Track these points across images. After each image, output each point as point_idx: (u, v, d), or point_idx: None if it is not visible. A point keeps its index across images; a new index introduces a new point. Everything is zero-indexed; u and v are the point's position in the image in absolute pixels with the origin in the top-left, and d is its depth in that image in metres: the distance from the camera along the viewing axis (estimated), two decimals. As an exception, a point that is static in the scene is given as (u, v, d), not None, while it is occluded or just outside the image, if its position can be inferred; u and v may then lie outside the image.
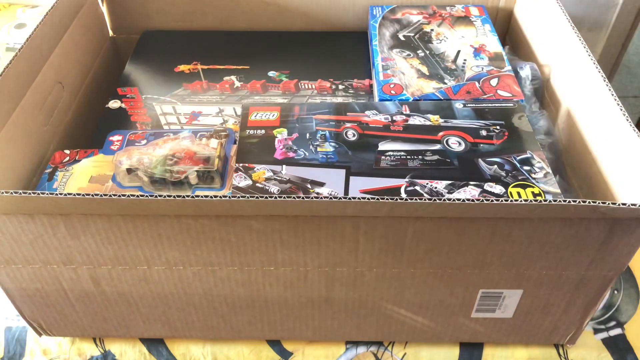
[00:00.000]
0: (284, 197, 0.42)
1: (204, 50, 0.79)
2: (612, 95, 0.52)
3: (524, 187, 0.52)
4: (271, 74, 0.74)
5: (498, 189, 0.52)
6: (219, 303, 0.55)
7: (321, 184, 0.53)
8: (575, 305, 0.54)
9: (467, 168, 0.55)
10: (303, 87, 0.72)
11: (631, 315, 0.62)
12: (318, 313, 0.56)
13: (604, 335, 0.61)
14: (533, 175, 0.53)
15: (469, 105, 0.62)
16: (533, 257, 0.49)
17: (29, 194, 0.43)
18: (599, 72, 0.55)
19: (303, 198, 0.42)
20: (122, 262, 0.51)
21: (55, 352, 0.61)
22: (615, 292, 0.64)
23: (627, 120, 0.49)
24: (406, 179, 0.54)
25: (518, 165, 0.54)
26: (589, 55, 0.57)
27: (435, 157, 0.56)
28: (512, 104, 0.61)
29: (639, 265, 0.66)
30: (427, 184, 0.53)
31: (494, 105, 0.62)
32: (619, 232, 0.46)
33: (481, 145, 0.57)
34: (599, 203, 0.42)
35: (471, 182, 0.53)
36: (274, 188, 0.53)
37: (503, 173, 0.54)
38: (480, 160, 0.55)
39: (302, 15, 0.82)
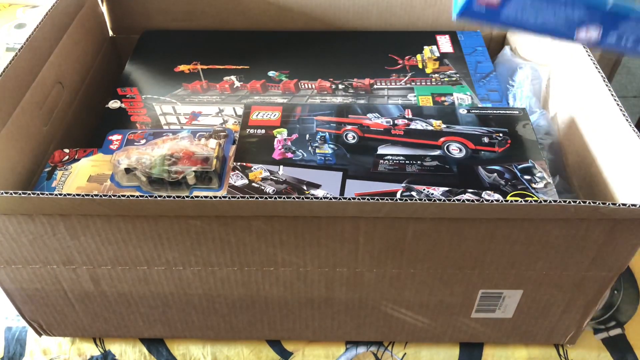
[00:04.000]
0: (284, 198, 0.42)
1: (203, 50, 0.79)
2: (612, 95, 0.51)
3: (523, 196, 0.52)
4: (271, 73, 0.74)
5: (496, 197, 0.52)
6: (218, 303, 0.55)
7: (317, 186, 0.53)
8: (575, 306, 0.54)
9: (466, 175, 0.54)
10: (303, 87, 0.72)
11: (631, 315, 0.62)
12: (318, 313, 0.56)
13: (604, 335, 0.61)
14: (533, 185, 0.53)
15: (473, 111, 0.61)
16: (533, 257, 0.49)
17: (29, 194, 0.43)
18: (599, 72, 0.55)
19: (303, 198, 0.42)
20: (121, 263, 0.51)
21: (55, 352, 0.61)
22: (615, 292, 0.64)
23: (627, 120, 0.49)
24: (403, 184, 0.53)
25: (518, 174, 0.54)
26: (589, 55, 0.57)
27: (435, 162, 0.55)
28: (517, 112, 0.61)
29: (639, 266, 0.66)
30: (424, 190, 0.53)
31: (498, 112, 0.61)
32: (619, 232, 0.46)
33: (482, 152, 0.56)
34: (599, 204, 0.42)
35: (469, 190, 0.53)
36: (269, 188, 0.53)
37: (502, 182, 0.53)
38: (480, 167, 0.55)
39: (302, 15, 0.82)
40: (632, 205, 0.41)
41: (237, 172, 0.55)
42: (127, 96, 0.71)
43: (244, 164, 0.56)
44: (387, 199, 0.42)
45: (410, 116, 0.61)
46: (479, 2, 0.37)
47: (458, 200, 0.43)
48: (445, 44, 0.77)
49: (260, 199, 0.42)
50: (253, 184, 0.54)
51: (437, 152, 0.57)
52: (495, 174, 0.54)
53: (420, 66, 0.74)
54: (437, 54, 0.76)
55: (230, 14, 0.82)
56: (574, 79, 0.61)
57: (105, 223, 0.47)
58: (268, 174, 0.55)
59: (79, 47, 0.73)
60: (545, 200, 0.50)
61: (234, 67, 0.76)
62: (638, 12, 0.36)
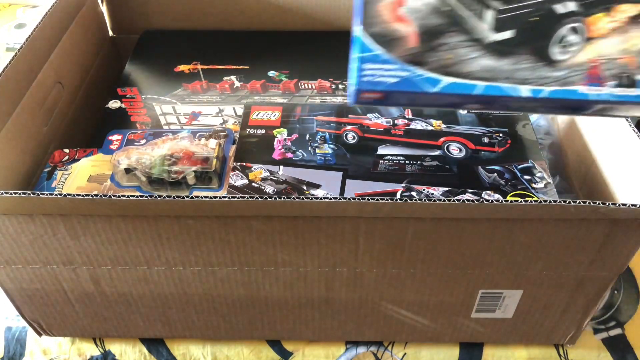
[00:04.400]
0: (284, 198, 0.42)
1: (203, 50, 0.79)
2: (612, 95, 0.51)
3: (523, 196, 0.52)
4: (271, 73, 0.74)
5: (496, 197, 0.52)
6: (219, 303, 0.55)
7: (317, 186, 0.53)
8: (575, 306, 0.54)
9: (466, 175, 0.54)
10: (303, 86, 0.72)
11: (631, 315, 0.62)
12: (318, 313, 0.56)
13: (604, 335, 0.61)
14: (533, 185, 0.53)
15: (473, 111, 0.61)
16: (533, 257, 0.49)
17: (29, 194, 0.43)
18: (599, 72, 0.55)
19: (303, 198, 0.42)
20: (122, 263, 0.51)
21: (55, 352, 0.61)
22: (615, 292, 0.64)
23: (627, 120, 0.49)
24: (403, 184, 0.53)
25: (518, 174, 0.54)
26: (589, 55, 0.57)
27: (435, 162, 0.56)
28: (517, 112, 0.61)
29: (639, 266, 0.66)
30: (424, 190, 0.53)
31: (498, 112, 0.61)
32: (619, 232, 0.46)
33: (482, 152, 0.56)
34: (598, 204, 0.42)
35: (469, 190, 0.53)
36: (269, 188, 0.53)
37: (502, 182, 0.53)
38: (480, 167, 0.55)
39: (302, 15, 0.82)
40: (632, 205, 0.41)
41: (237, 172, 0.55)
42: (127, 96, 0.71)
43: (244, 164, 0.56)
44: (387, 199, 0.42)
45: (410, 116, 0.61)
46: (362, 98, 0.39)
47: (458, 200, 0.43)
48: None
49: (260, 199, 0.42)
50: (253, 184, 0.54)
51: (437, 152, 0.57)
52: (495, 174, 0.54)
53: (420, 66, 0.74)
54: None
55: (230, 14, 0.82)
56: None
57: (105, 223, 0.47)
58: (268, 174, 0.55)
59: (79, 47, 0.73)
60: (545, 200, 0.50)
61: (234, 67, 0.76)
62: (505, 93, 0.38)
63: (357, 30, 0.39)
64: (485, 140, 0.58)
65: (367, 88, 0.39)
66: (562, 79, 0.39)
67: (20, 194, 0.43)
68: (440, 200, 0.42)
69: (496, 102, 0.39)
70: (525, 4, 0.39)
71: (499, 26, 0.39)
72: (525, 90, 0.38)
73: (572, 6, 0.39)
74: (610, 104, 0.39)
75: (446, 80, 0.38)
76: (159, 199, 0.42)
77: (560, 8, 0.39)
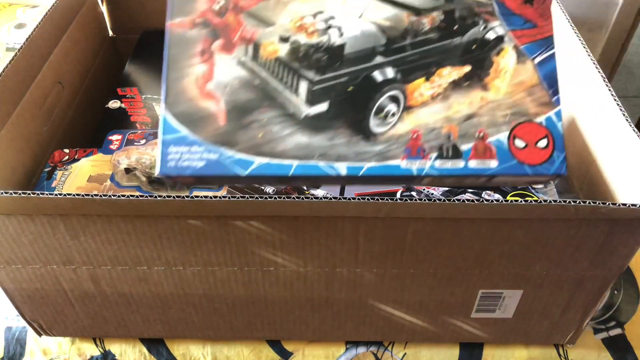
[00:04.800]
0: (284, 198, 0.42)
1: (203, 50, 0.79)
2: (612, 95, 0.51)
3: (523, 196, 0.52)
4: (271, 74, 0.74)
5: (496, 197, 0.52)
6: (219, 303, 0.55)
7: (317, 186, 0.53)
8: (575, 306, 0.54)
9: None
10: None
11: (631, 315, 0.62)
12: (318, 313, 0.56)
13: (604, 335, 0.61)
14: (533, 185, 0.53)
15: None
16: (533, 257, 0.49)
17: (29, 194, 0.43)
18: (599, 72, 0.55)
19: (303, 198, 0.42)
20: (121, 263, 0.51)
21: (55, 352, 0.61)
22: (615, 292, 0.64)
23: (627, 120, 0.49)
24: (403, 184, 0.53)
25: None
26: (589, 55, 0.57)
27: None
28: None
29: (639, 265, 0.66)
30: (424, 190, 0.53)
31: None
32: (619, 232, 0.46)
33: None
34: (598, 203, 0.42)
35: (469, 190, 0.53)
36: (269, 188, 0.53)
37: None
38: None
39: (302, 15, 0.82)
40: (632, 205, 0.41)
41: (237, 172, 0.55)
42: (127, 96, 0.71)
43: (244, 164, 0.56)
44: (387, 199, 0.42)
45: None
46: (176, 181, 0.38)
47: (458, 200, 0.43)
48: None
49: (260, 199, 0.42)
50: (253, 184, 0.54)
51: None
52: None
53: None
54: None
55: (230, 14, 0.82)
56: (573, 79, 0.61)
57: (105, 223, 0.47)
58: (268, 174, 0.55)
59: (79, 47, 0.73)
60: (545, 200, 0.50)
61: (234, 67, 0.75)
62: (322, 172, 0.36)
63: (162, 109, 0.36)
64: None
65: (172, 173, 0.36)
66: (381, 153, 0.35)
67: (20, 194, 0.43)
68: (440, 200, 0.42)
69: (315, 181, 0.37)
70: (341, 73, 0.36)
71: (313, 99, 0.36)
72: (343, 168, 0.35)
73: (390, 73, 0.36)
74: (437, 178, 0.36)
75: (259, 160, 0.35)
76: (159, 199, 0.42)
77: (378, 76, 0.36)
